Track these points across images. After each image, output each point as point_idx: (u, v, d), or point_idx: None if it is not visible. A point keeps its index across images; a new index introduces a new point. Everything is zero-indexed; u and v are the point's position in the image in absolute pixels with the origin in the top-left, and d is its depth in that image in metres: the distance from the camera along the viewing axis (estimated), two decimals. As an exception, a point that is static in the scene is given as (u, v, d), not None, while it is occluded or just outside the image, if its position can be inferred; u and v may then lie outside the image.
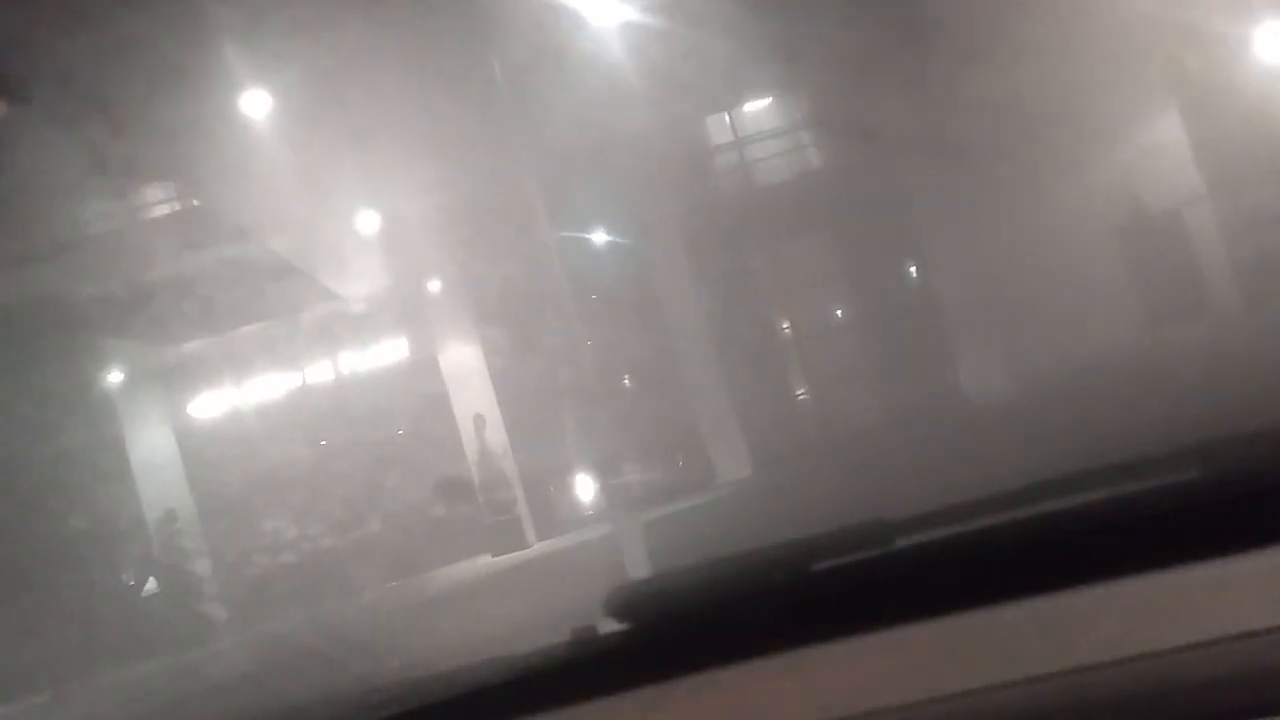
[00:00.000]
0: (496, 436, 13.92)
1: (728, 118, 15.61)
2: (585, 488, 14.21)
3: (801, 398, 15.68)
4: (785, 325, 15.87)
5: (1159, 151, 12.34)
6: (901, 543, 0.95)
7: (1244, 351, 8.38)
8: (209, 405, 15.00)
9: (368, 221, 13.48)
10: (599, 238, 14.79)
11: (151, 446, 13.91)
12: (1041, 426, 8.45)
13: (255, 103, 10.59)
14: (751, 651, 0.89)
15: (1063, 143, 11.86)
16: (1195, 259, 12.58)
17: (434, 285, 14.41)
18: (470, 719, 0.94)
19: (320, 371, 15.28)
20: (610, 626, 0.96)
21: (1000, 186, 12.26)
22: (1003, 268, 12.98)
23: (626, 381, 14.87)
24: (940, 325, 14.23)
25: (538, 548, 13.20)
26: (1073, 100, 11.16)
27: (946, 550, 0.93)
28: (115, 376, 14.09)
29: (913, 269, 15.59)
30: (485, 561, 12.93)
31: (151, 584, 13.37)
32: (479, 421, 13.89)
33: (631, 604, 0.96)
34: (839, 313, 16.11)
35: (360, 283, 14.00)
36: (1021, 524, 0.91)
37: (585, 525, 12.44)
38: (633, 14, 10.07)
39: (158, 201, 13.36)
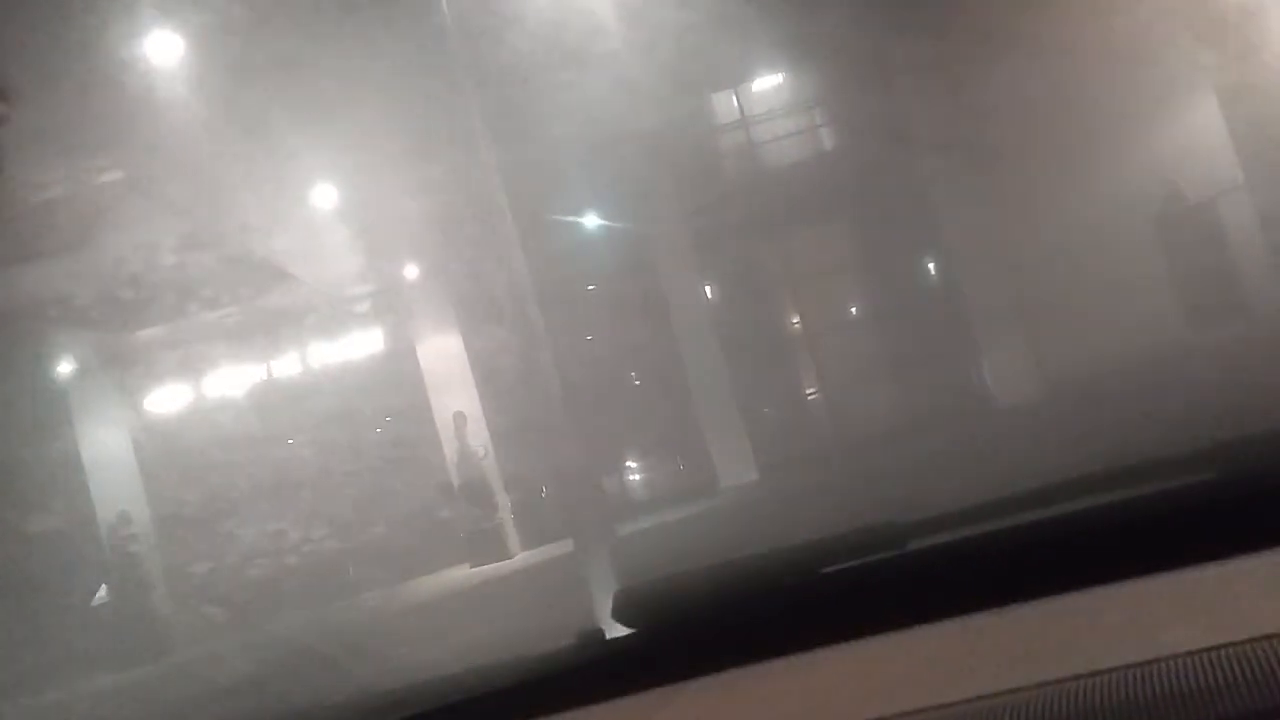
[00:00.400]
0: (478, 436, 13.93)
1: (735, 99, 15.66)
2: (575, 492, 14.21)
3: (811, 397, 15.74)
4: (795, 320, 15.92)
5: (1186, 146, 12.56)
6: (911, 546, 1.00)
7: (1266, 351, 8.57)
8: (168, 401, 15.00)
9: (341, 208, 13.52)
10: (594, 228, 14.83)
11: (105, 445, 13.90)
12: (1056, 428, 8.58)
13: (229, 89, 10.71)
14: (760, 654, 0.95)
15: (1087, 134, 12.07)
16: (1213, 258, 12.81)
17: (411, 274, 14.43)
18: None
19: (288, 365, 15.29)
20: (617, 629, 1.02)
21: (1023, 178, 12.44)
22: (1024, 262, 13.13)
23: (623, 379, 14.93)
24: (952, 322, 14.34)
25: (521, 558, 13.21)
26: (1095, 91, 11.38)
27: (957, 554, 0.98)
28: (68, 369, 14.07)
29: (930, 263, 15.68)
30: (463, 573, 12.96)
31: (103, 591, 13.40)
32: (459, 420, 13.90)
33: (639, 606, 1.02)
34: (853, 309, 16.19)
35: (333, 271, 14.00)
36: (1034, 527, 0.97)
37: (574, 533, 12.45)
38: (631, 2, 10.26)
39: (106, 188, 13.38)
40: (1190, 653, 0.78)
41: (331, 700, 1.23)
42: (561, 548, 12.33)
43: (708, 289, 15.37)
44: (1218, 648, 0.77)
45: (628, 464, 15.41)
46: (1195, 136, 12.38)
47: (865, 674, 0.92)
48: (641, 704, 0.97)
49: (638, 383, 15.24)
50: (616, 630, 1.02)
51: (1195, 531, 0.90)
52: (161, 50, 9.82)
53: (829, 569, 1.01)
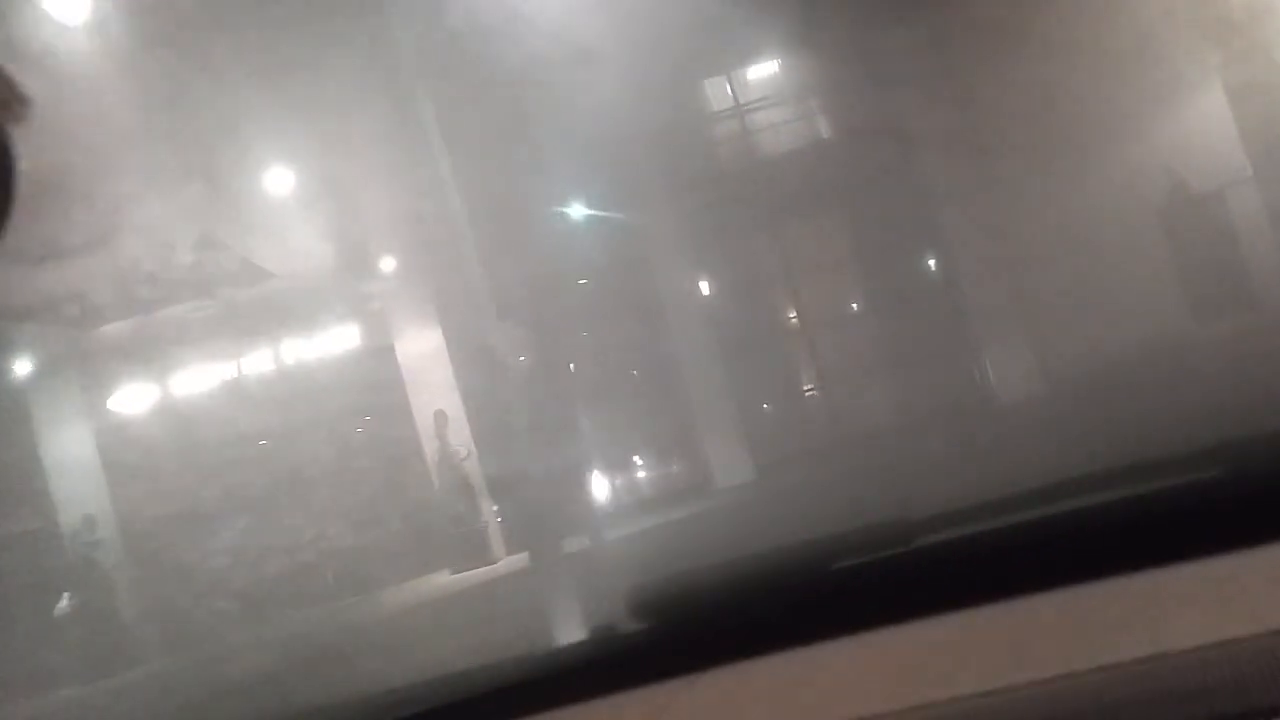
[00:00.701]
0: (460, 436, 13.90)
1: (731, 92, 15.66)
2: (564, 494, 14.20)
3: (810, 394, 15.79)
4: (792, 316, 15.96)
5: (1190, 142, 12.70)
6: (918, 542, 1.04)
7: (1272, 345, 8.70)
8: (135, 399, 14.93)
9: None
10: (588, 222, 14.81)
11: (68, 445, 13.83)
12: (1059, 424, 8.67)
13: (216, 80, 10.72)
14: (766, 649, 0.98)
15: (1090, 128, 12.17)
16: (1219, 252, 12.96)
17: (410, 272, 14.35)
18: (487, 716, 1.03)
19: (259, 362, 15.23)
20: (627, 626, 1.05)
21: (1025, 172, 12.53)
22: (1027, 257, 13.22)
23: (617, 376, 14.93)
24: (953, 318, 14.41)
25: (505, 563, 13.19)
26: (1098, 86, 11.50)
27: (962, 549, 1.02)
28: (27, 365, 14.00)
29: (930, 258, 15.75)
30: (444, 579, 12.94)
31: (64, 600, 13.35)
32: (440, 419, 13.86)
33: (646, 603, 1.05)
34: (852, 304, 16.24)
35: (306, 261, 13.93)
36: (1037, 524, 1.00)
37: (564, 537, 12.44)
38: None
39: (75, 181, 13.31)
40: (1197, 648, 0.80)
41: (331, 700, 1.25)
42: (557, 547, 12.34)
43: (704, 284, 15.40)
44: (1224, 643, 0.79)
45: (622, 462, 15.42)
46: (1200, 133, 12.52)
47: (873, 667, 0.95)
48: (647, 699, 1.00)
49: (633, 379, 15.26)
50: (626, 625, 1.05)
51: (1202, 528, 0.93)
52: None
53: (839, 565, 1.04)
